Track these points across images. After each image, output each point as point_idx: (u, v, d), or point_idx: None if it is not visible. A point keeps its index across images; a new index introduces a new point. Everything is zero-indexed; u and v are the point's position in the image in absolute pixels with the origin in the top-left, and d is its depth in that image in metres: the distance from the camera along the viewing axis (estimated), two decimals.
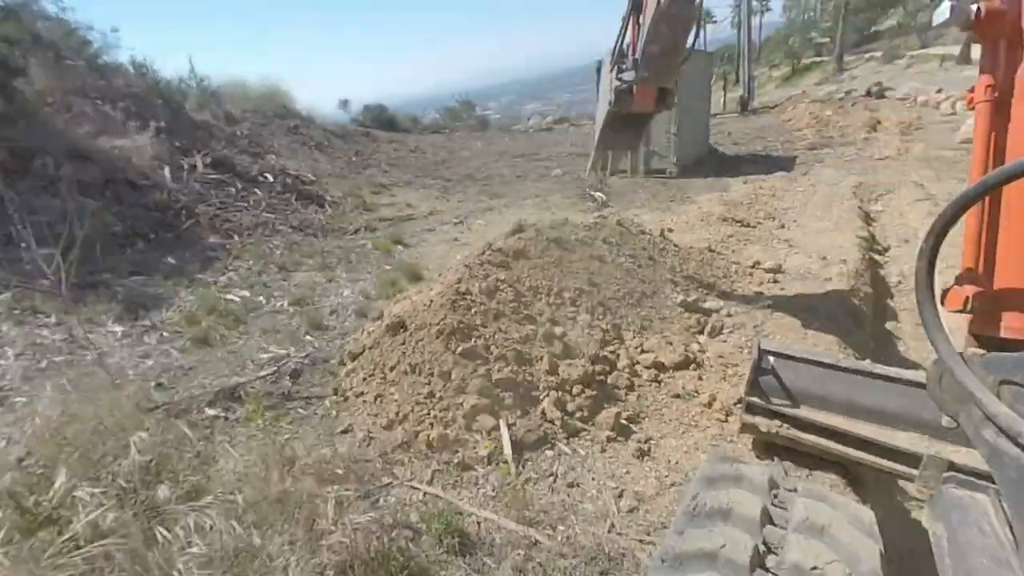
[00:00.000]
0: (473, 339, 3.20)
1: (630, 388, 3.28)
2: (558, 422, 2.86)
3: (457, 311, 3.34)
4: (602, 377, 3.28)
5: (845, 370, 2.13)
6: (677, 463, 2.61)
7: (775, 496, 1.36)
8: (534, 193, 10.83)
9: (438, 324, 3.23)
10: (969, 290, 1.35)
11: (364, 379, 3.21)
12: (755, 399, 2.26)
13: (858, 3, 48.77)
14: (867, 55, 43.95)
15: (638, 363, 3.53)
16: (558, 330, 3.52)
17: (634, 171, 11.82)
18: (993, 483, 1.51)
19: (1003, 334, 1.32)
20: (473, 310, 3.42)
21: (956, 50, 32.21)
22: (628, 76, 3.41)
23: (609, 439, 2.81)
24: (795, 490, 1.43)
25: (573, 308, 3.86)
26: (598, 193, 9.90)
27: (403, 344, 3.28)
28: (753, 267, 5.62)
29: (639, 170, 11.72)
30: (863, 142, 14.56)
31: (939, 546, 1.25)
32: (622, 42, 3.61)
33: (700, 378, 3.41)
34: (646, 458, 2.67)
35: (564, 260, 4.29)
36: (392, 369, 3.16)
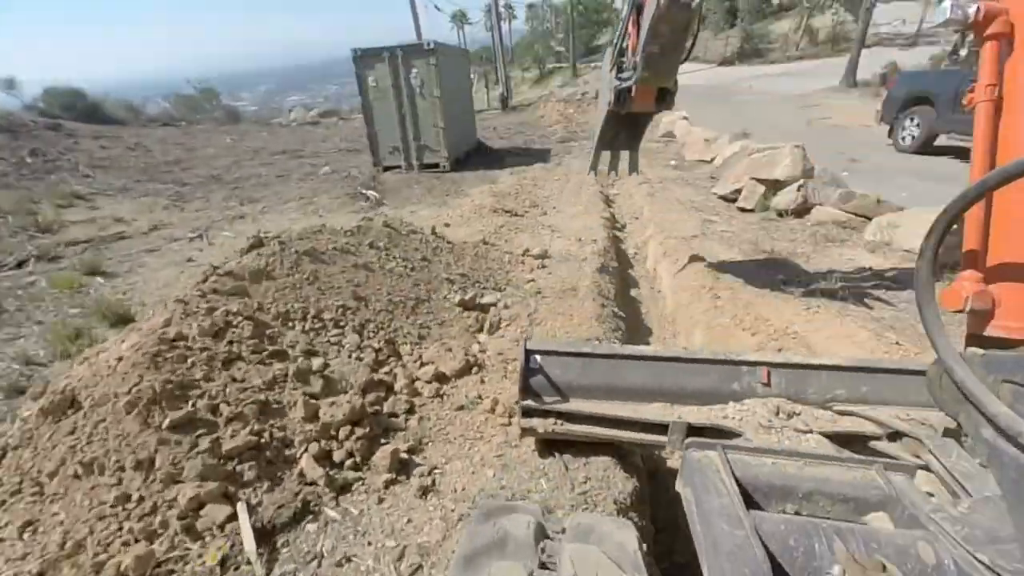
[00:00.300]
0: (191, 402, 2.38)
1: (410, 411, 2.93)
2: (322, 480, 2.32)
3: (162, 368, 2.45)
4: (377, 407, 2.84)
5: (601, 356, 2.24)
6: (464, 489, 2.37)
7: (543, 551, 1.28)
8: (298, 195, 9.57)
9: (130, 393, 2.30)
10: (968, 289, 1.36)
11: (1, 504, 2.09)
12: (529, 402, 2.24)
13: (580, 21, 57.89)
14: (592, 64, 52.86)
15: (418, 379, 3.20)
16: (316, 362, 2.93)
17: (408, 166, 11.51)
18: (720, 439, 1.71)
19: (1001, 333, 1.33)
20: (190, 360, 2.57)
21: None
22: (628, 76, 3.40)
23: (388, 483, 2.40)
24: (563, 531, 1.30)
25: (337, 330, 3.30)
26: (371, 192, 9.29)
27: (73, 433, 2.24)
28: (524, 255, 5.89)
29: (413, 165, 11.47)
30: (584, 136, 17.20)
31: (689, 511, 1.36)
32: (622, 42, 3.59)
33: (483, 381, 3.27)
34: (430, 494, 2.36)
35: (322, 275, 3.66)
36: (53, 476, 2.12)
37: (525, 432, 2.32)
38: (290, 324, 3.16)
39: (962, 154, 10.18)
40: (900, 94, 11.17)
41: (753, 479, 1.43)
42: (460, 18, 75.63)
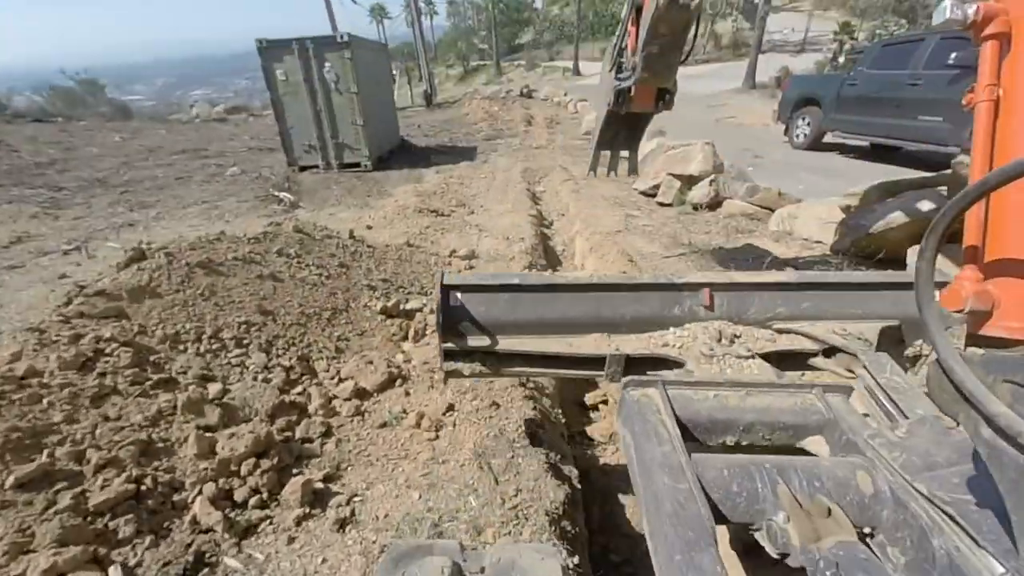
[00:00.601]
0: (46, 451, 1.99)
1: (327, 434, 2.68)
2: (220, 526, 2.04)
3: (7, 414, 2.03)
4: (288, 433, 2.57)
5: (530, 288, 2.02)
6: (387, 516, 2.19)
7: None
8: (200, 199, 8.70)
9: None
10: (968, 289, 1.35)
11: None
12: (450, 344, 1.97)
13: (503, 19, 58.29)
14: (516, 63, 53.50)
15: (335, 397, 2.96)
16: (214, 388, 2.60)
17: (327, 166, 10.88)
18: (659, 368, 1.72)
19: (1002, 333, 1.32)
20: (46, 401, 2.16)
21: (570, 64, 42.86)
22: (628, 76, 3.36)
23: (300, 519, 2.16)
24: (482, 571, 1.16)
25: (239, 350, 2.96)
26: (284, 194, 8.66)
27: None
28: (450, 256, 5.73)
29: (332, 164, 10.85)
30: (524, 133, 17.38)
31: (628, 456, 1.31)
32: (621, 42, 3.54)
33: (407, 394, 3.08)
34: (349, 527, 2.15)
35: (220, 288, 3.28)
36: None
37: (449, 375, 2.09)
38: (181, 347, 2.79)
39: (846, 150, 11.37)
40: (792, 96, 12.23)
41: (694, 415, 1.40)
42: (379, 12, 73.37)
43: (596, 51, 47.23)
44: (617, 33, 3.63)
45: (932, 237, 0.91)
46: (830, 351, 1.80)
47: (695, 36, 3.19)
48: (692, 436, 1.38)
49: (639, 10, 3.20)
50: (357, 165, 10.86)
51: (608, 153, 4.50)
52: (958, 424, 0.94)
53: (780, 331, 1.92)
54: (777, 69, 24.61)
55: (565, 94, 25.83)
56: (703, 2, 2.88)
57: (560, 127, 18.79)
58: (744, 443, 1.42)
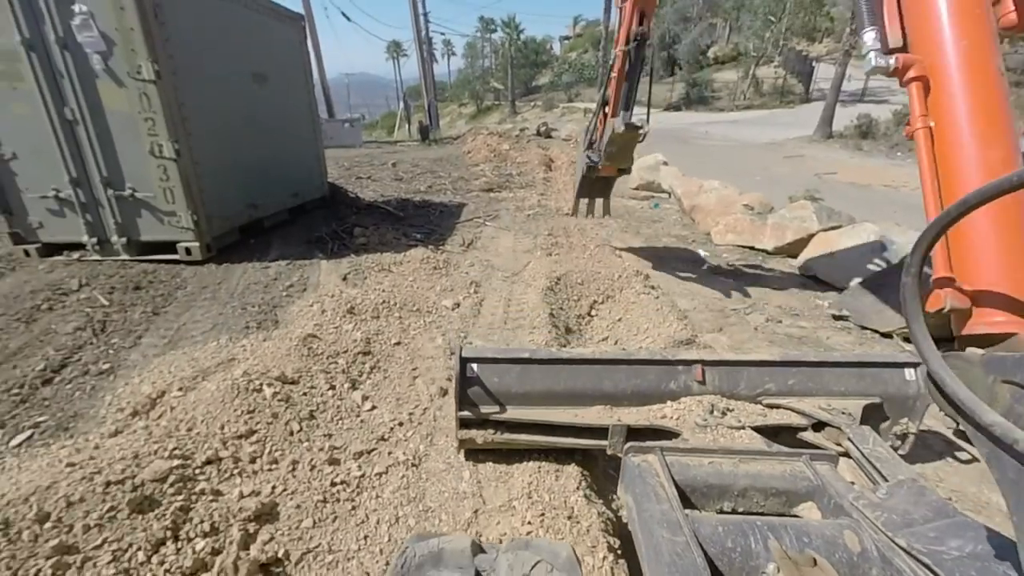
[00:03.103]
0: None
1: None
2: None
3: None
4: None
5: (539, 362, 2.19)
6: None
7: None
8: None
9: None
10: (947, 291, 1.43)
11: None
12: (466, 413, 2.14)
13: (519, 61, 55.49)
14: (532, 103, 49.97)
15: None
16: None
17: (101, 246, 4.79)
18: (658, 439, 1.82)
19: (988, 329, 1.36)
20: None
21: (593, 105, 38.51)
22: (595, 158, 4.82)
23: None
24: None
25: None
26: None
27: None
28: None
29: (113, 244, 4.76)
30: (543, 183, 11.51)
31: (631, 517, 1.40)
32: (592, 134, 4.99)
33: None
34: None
35: None
36: None
37: (464, 443, 2.22)
38: None
39: None
40: None
41: (691, 480, 1.47)
42: (394, 49, 71.08)
43: None
44: (590, 124, 5.08)
45: (917, 253, 0.95)
46: (818, 425, 2.00)
47: (643, 138, 4.28)
48: (691, 503, 1.44)
49: (605, 109, 4.57)
50: (168, 248, 4.76)
51: (585, 200, 5.74)
52: (958, 425, 1.05)
53: (770, 406, 2.11)
54: (856, 117, 21.23)
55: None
56: (647, 130, 4.13)
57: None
58: (740, 510, 1.48)
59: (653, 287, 4.44)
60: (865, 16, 1.81)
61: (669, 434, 1.98)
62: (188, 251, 4.74)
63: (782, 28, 35.82)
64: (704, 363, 2.18)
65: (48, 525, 1.56)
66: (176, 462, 1.94)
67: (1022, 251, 1.42)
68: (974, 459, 2.50)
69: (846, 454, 1.78)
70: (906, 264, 0.97)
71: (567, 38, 73.73)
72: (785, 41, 37.16)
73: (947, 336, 1.65)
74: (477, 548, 1.19)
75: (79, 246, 4.78)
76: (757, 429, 1.97)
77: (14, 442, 2.30)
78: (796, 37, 39.27)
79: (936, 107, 1.57)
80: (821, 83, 34.23)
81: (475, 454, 2.33)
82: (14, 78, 4.24)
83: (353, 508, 2.00)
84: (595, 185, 5.41)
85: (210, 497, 1.87)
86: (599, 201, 5.79)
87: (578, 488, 2.10)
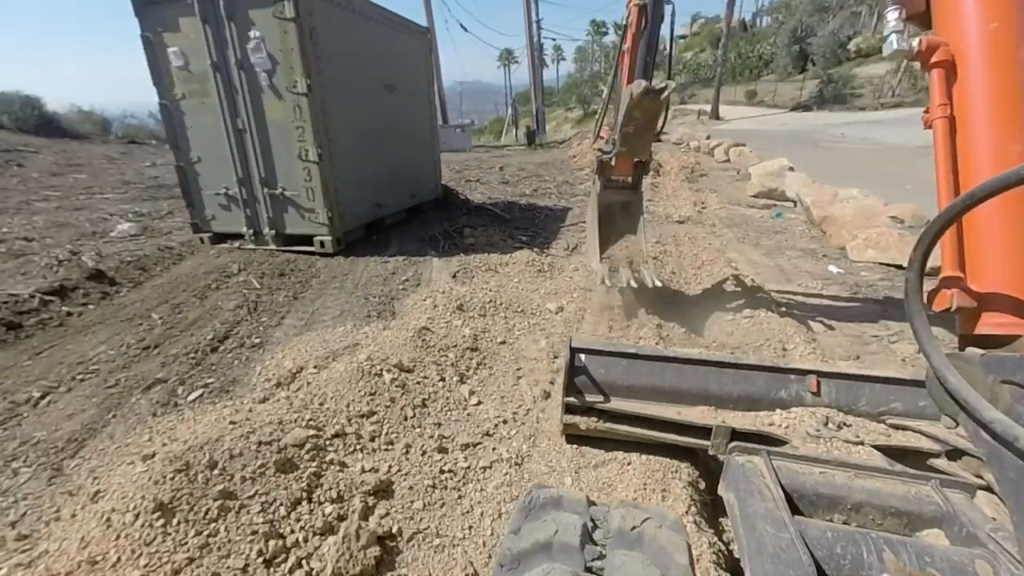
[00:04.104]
0: None
1: None
2: None
3: None
4: None
5: (646, 358, 2.22)
6: None
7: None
8: None
9: None
10: (952, 289, 1.41)
11: None
12: (572, 399, 2.22)
13: None
14: None
15: None
16: None
17: (256, 237, 5.56)
18: (765, 444, 1.73)
19: (992, 330, 1.35)
20: None
21: (708, 108, 36.26)
22: (609, 151, 3.80)
23: None
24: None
25: None
26: None
27: None
28: None
29: (264, 236, 5.50)
30: (651, 188, 11.11)
31: (732, 515, 1.34)
32: (602, 121, 4.24)
33: None
34: None
35: None
36: None
37: (567, 428, 2.27)
38: None
39: None
40: None
41: (799, 487, 1.38)
42: (506, 58, 73.41)
43: (739, 94, 40.13)
44: (598, 114, 4.38)
45: (920, 249, 0.94)
46: (955, 453, 1.79)
47: (665, 119, 3.57)
48: (798, 510, 1.33)
49: (617, 95, 3.71)
50: (306, 240, 5.38)
51: (610, 260, 4.01)
52: (957, 425, 0.98)
53: (895, 427, 1.95)
54: None
55: (708, 137, 19.27)
56: (671, 93, 3.21)
57: (706, 181, 12.26)
58: (853, 524, 1.35)
59: (777, 304, 4.05)
60: None
61: (777, 443, 1.91)
62: (322, 244, 5.33)
63: None
64: (820, 374, 2.10)
65: (216, 472, 1.85)
66: (311, 432, 2.18)
67: None
68: None
69: (988, 488, 1.61)
70: (909, 259, 0.95)
71: (683, 37, 70.42)
72: None
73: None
74: (591, 503, 1.29)
75: (239, 236, 5.61)
76: (879, 448, 1.84)
77: (191, 397, 2.76)
78: None
79: (959, 95, 1.49)
80: None
81: (579, 452, 2.32)
82: (204, 95, 5.10)
83: (459, 497, 2.09)
84: (616, 210, 4.22)
85: (337, 467, 2.07)
86: (629, 247, 4.15)
87: (687, 512, 1.98)
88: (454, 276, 4.78)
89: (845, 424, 1.98)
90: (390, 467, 2.17)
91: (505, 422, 2.59)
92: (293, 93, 4.84)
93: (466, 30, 28.84)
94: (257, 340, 3.45)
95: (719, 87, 34.14)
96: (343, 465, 2.11)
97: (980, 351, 0.98)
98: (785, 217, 7.92)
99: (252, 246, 5.54)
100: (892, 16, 1.66)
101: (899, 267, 5.35)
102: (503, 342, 3.44)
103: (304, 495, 1.90)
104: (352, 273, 4.94)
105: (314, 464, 2.03)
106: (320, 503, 1.90)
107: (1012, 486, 0.77)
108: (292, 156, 5.08)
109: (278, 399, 2.55)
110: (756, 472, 1.42)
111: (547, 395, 2.83)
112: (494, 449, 2.38)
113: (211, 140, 5.24)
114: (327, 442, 2.20)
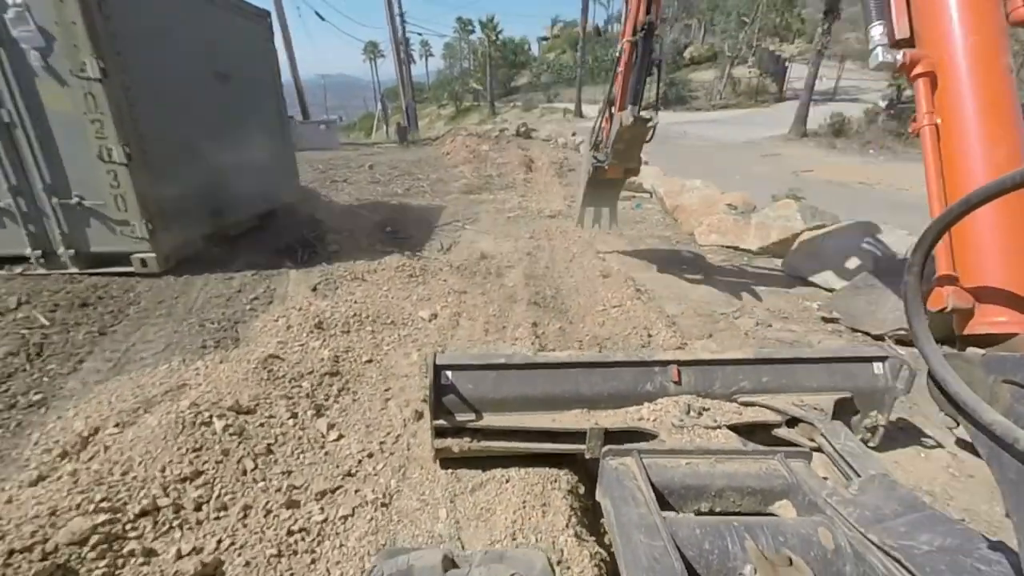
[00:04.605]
0: None
1: None
2: None
3: None
4: None
5: (515, 367, 2.16)
6: None
7: None
8: None
9: None
10: (947, 290, 1.45)
11: None
12: (441, 421, 2.10)
13: (498, 61, 55.36)
14: (511, 104, 49.78)
15: None
16: None
17: (46, 260, 4.41)
18: (636, 440, 1.89)
19: (989, 329, 1.37)
20: None
21: (572, 106, 38.54)
22: (601, 157, 4.60)
23: None
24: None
25: None
26: None
27: None
28: None
29: (60, 257, 4.38)
30: (523, 184, 11.35)
31: (608, 522, 1.41)
32: (598, 127, 4.74)
33: None
34: None
35: None
36: None
37: (440, 452, 2.15)
38: None
39: None
40: None
41: (669, 482, 1.48)
42: (371, 51, 70.10)
43: (597, 94, 43.26)
44: (595, 125, 4.77)
45: (919, 252, 0.95)
46: (792, 422, 2.03)
47: (651, 136, 4.15)
48: (669, 505, 1.44)
49: (612, 107, 4.33)
50: (122, 259, 4.41)
51: (592, 209, 5.49)
52: (958, 425, 1.00)
53: (745, 404, 2.14)
54: (829, 116, 21.90)
55: (573, 134, 20.37)
56: (657, 121, 3.89)
57: (575, 175, 12.89)
58: (717, 510, 1.49)
59: (640, 291, 4.27)
60: (872, 10, 1.75)
61: (647, 436, 1.99)
62: (144, 262, 4.40)
63: (755, 29, 36.45)
64: (679, 363, 2.21)
65: None
66: (102, 517, 1.67)
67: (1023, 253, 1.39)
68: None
69: (819, 449, 1.83)
70: (908, 262, 0.96)
71: (545, 39, 73.84)
72: (758, 41, 37.83)
73: (949, 336, 1.62)
74: (449, 563, 1.18)
75: (22, 259, 4.40)
76: (733, 428, 2.00)
77: None
78: (769, 37, 39.94)
79: (943, 104, 1.54)
80: (794, 82, 34.88)
81: (455, 477, 2.12)
82: None
83: (313, 562, 1.76)
84: (601, 191, 5.23)
85: (141, 559, 1.61)
86: (605, 211, 5.58)
87: (567, 526, 1.89)
88: (314, 289, 4.26)
89: (704, 409, 2.11)
90: (220, 542, 1.75)
91: (371, 455, 2.29)
92: (81, 78, 3.87)
93: (323, 19, 26.80)
94: (37, 396, 2.65)
95: (580, 87, 36.39)
96: (150, 554, 1.64)
97: (980, 351, 0.98)
98: (643, 207, 8.58)
99: (42, 271, 4.38)
100: (876, 32, 1.71)
101: (735, 248, 6.05)
102: (369, 360, 3.10)
103: None
104: (185, 295, 4.15)
105: (104, 563, 1.55)
106: None
107: (1012, 486, 0.77)
108: (90, 157, 4.08)
109: (59, 476, 1.94)
110: (628, 474, 1.48)
111: (419, 415, 2.58)
112: (357, 491, 2.08)
113: None
114: (128, 526, 1.71)
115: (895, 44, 1.71)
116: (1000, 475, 0.80)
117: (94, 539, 1.59)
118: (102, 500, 1.76)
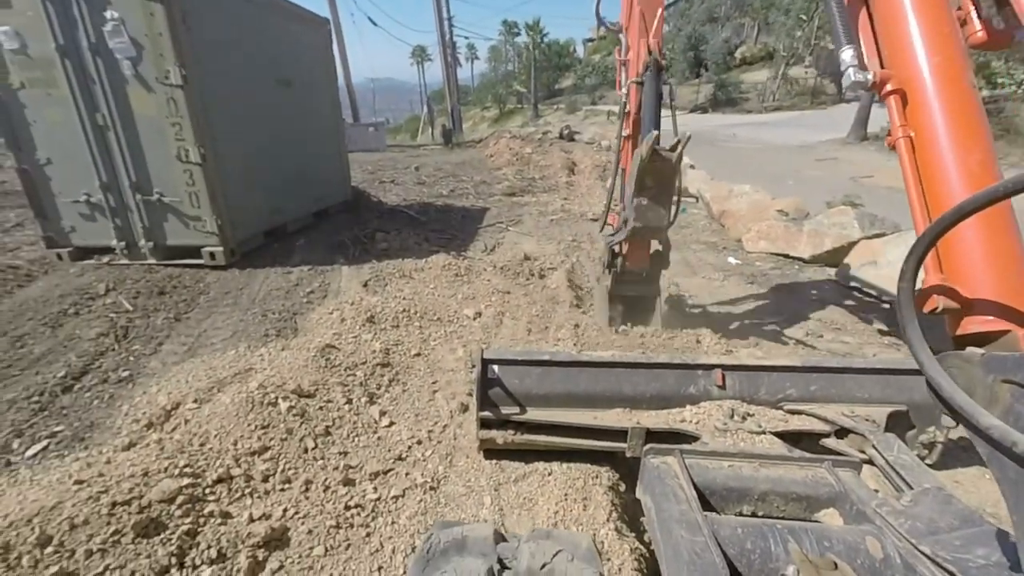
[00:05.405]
0: None
1: None
2: None
3: None
4: None
5: (559, 364, 2.20)
6: None
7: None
8: None
9: None
10: (939, 292, 1.45)
11: None
12: (487, 413, 2.16)
13: (543, 64, 55.47)
14: (555, 106, 49.80)
15: None
16: None
17: (129, 250, 4.84)
18: (678, 441, 1.88)
19: (981, 328, 1.38)
20: None
21: (616, 108, 38.04)
22: (619, 230, 3.38)
23: None
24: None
25: None
26: None
27: None
28: None
29: (141, 248, 4.81)
30: (566, 187, 11.37)
31: (649, 519, 1.42)
32: (608, 210, 3.68)
33: None
34: None
35: None
36: None
37: (484, 443, 2.21)
38: None
39: None
40: None
41: (710, 483, 1.46)
42: (419, 54, 71.84)
43: None
44: (607, 199, 3.69)
45: (912, 260, 0.94)
46: (842, 432, 1.98)
47: (679, 189, 3.17)
48: (710, 506, 1.42)
49: (623, 174, 3.54)
50: (193, 252, 4.78)
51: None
52: (958, 425, 0.96)
53: (792, 412, 2.08)
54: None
55: (618, 136, 20.06)
56: (682, 156, 2.96)
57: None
58: (760, 514, 1.46)
59: (683, 297, 4.23)
60: (842, 35, 1.86)
61: (688, 438, 1.98)
62: (212, 255, 4.76)
63: (814, 27, 34.77)
64: (724, 368, 2.18)
65: (49, 550, 1.49)
66: (186, 481, 1.87)
67: (1007, 253, 1.46)
68: None
69: (870, 462, 1.78)
70: (902, 270, 0.97)
71: (591, 40, 73.40)
72: (817, 40, 36.09)
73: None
74: (499, 537, 1.22)
75: (109, 250, 4.86)
76: (778, 435, 1.97)
77: (30, 452, 2.27)
78: (828, 36, 38.07)
79: (914, 118, 1.62)
80: None
81: (499, 468, 2.21)
82: (49, 85, 4.33)
83: (368, 535, 1.89)
84: (626, 304, 3.75)
85: (219, 520, 1.78)
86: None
87: (608, 519, 1.94)
88: (365, 285, 4.48)
89: (748, 414, 2.08)
90: (285, 511, 1.91)
91: (420, 442, 2.41)
92: (165, 84, 4.25)
93: (375, 24, 27.70)
94: (125, 373, 2.95)
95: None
96: (226, 516, 1.82)
97: (980, 351, 0.98)
98: (689, 212, 8.42)
99: (125, 261, 4.82)
100: (847, 55, 1.80)
101: (786, 256, 5.87)
102: (418, 354, 3.25)
103: (174, 561, 1.60)
104: (248, 287, 4.46)
105: (188, 520, 1.73)
106: (195, 567, 1.62)
107: (1012, 487, 0.77)
108: (169, 157, 4.47)
109: (147, 443, 2.17)
110: (670, 473, 1.47)
111: (465, 408, 2.69)
112: (407, 474, 2.20)
113: (63, 138, 4.47)
114: (207, 491, 1.89)
115: (865, 66, 1.81)
116: (1000, 475, 0.80)
117: (180, 499, 1.78)
118: (185, 466, 1.96)
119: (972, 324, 1.44)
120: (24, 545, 1.47)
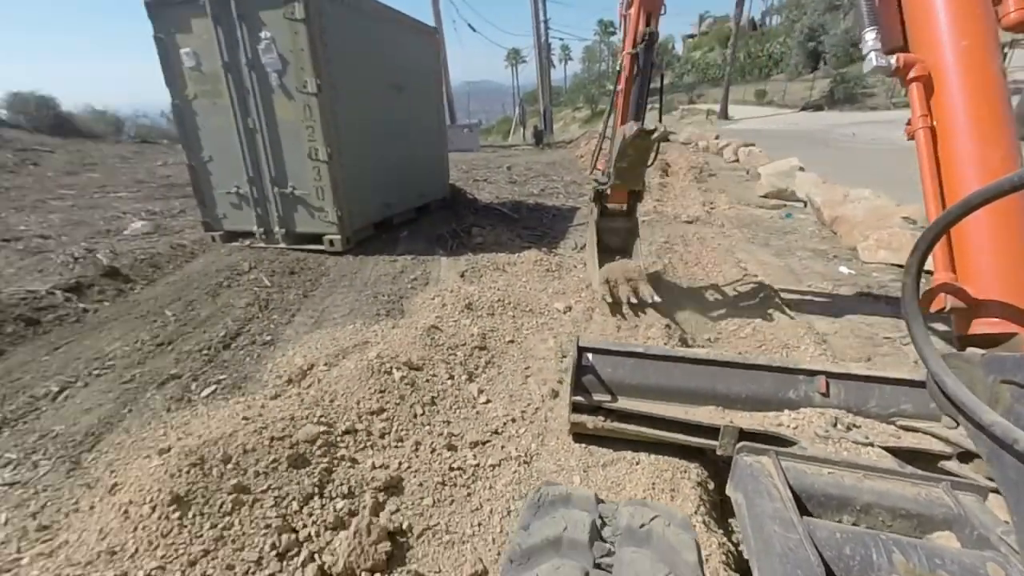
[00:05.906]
0: None
1: None
2: None
3: None
4: None
5: (653, 358, 2.23)
6: None
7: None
8: None
9: None
10: (948, 291, 1.43)
11: None
12: (579, 398, 2.24)
13: None
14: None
15: None
16: None
17: (267, 236, 5.61)
18: (773, 444, 1.75)
19: (987, 330, 1.35)
20: None
21: (716, 107, 36.02)
22: (604, 182, 4.17)
23: None
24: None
25: None
26: None
27: None
28: None
29: (275, 235, 5.55)
30: (659, 188, 11.10)
31: (740, 514, 1.35)
32: (598, 154, 4.66)
33: None
34: None
35: None
36: None
37: (575, 426, 2.29)
38: None
39: None
40: None
41: (808, 487, 1.36)
42: (513, 57, 73.34)
43: (749, 93, 39.81)
44: (595, 149, 4.77)
45: (917, 255, 0.93)
46: (966, 456, 1.80)
47: (655, 155, 3.89)
48: (806, 511, 1.31)
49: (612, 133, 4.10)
50: (316, 239, 5.43)
51: (614, 280, 3.96)
52: (958, 425, 1.03)
53: (905, 428, 1.95)
54: None
55: (716, 137, 19.16)
56: (665, 133, 3.46)
57: (715, 181, 12.20)
58: (862, 526, 1.32)
59: (786, 306, 4.03)
60: (865, 16, 1.77)
61: (783, 443, 1.91)
62: (332, 243, 5.37)
63: None
64: (829, 375, 2.09)
65: (230, 466, 1.88)
66: (322, 428, 2.21)
67: (1020, 255, 1.39)
68: None
69: (997, 491, 1.62)
70: (906, 265, 0.94)
71: (691, 36, 70.04)
72: None
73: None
74: (599, 500, 1.30)
75: (250, 234, 5.67)
76: (888, 450, 1.85)
77: (204, 393, 2.80)
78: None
79: (938, 107, 1.56)
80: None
81: (588, 452, 2.33)
82: (215, 95, 5.16)
83: (469, 494, 2.10)
84: (612, 235, 4.48)
85: (348, 464, 2.10)
86: (627, 289, 3.85)
87: (696, 512, 1.98)
88: (462, 275, 4.80)
89: (854, 425, 1.98)
90: (400, 464, 2.19)
91: (514, 420, 2.60)
92: (303, 93, 4.88)
93: (474, 30, 28.86)
94: (268, 337, 3.49)
95: (728, 86, 33.87)
96: (354, 461, 2.13)
97: (980, 351, 0.97)
98: (795, 217, 7.86)
99: (262, 244, 5.60)
100: (870, 36, 1.75)
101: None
102: (511, 341, 3.46)
103: (316, 490, 1.92)
104: (361, 272, 4.98)
105: (325, 460, 2.06)
106: (332, 498, 1.92)
107: (1012, 486, 0.77)
108: (302, 155, 5.13)
109: (289, 396, 2.58)
110: (764, 472, 1.41)
111: (555, 394, 2.84)
112: (503, 447, 2.40)
113: (222, 139, 5.30)
114: (338, 438, 2.23)
115: (889, 51, 1.72)
116: (1000, 475, 0.78)
117: (319, 442, 2.11)
118: (321, 416, 2.32)
119: (981, 325, 1.40)
120: (213, 460, 1.86)
